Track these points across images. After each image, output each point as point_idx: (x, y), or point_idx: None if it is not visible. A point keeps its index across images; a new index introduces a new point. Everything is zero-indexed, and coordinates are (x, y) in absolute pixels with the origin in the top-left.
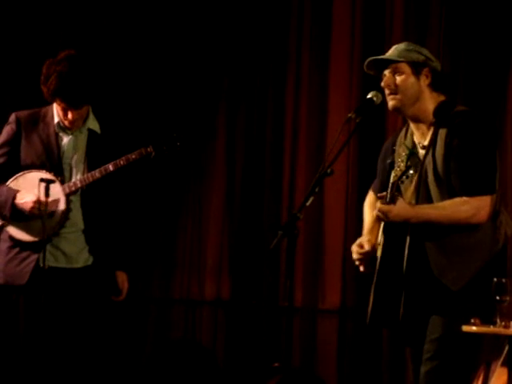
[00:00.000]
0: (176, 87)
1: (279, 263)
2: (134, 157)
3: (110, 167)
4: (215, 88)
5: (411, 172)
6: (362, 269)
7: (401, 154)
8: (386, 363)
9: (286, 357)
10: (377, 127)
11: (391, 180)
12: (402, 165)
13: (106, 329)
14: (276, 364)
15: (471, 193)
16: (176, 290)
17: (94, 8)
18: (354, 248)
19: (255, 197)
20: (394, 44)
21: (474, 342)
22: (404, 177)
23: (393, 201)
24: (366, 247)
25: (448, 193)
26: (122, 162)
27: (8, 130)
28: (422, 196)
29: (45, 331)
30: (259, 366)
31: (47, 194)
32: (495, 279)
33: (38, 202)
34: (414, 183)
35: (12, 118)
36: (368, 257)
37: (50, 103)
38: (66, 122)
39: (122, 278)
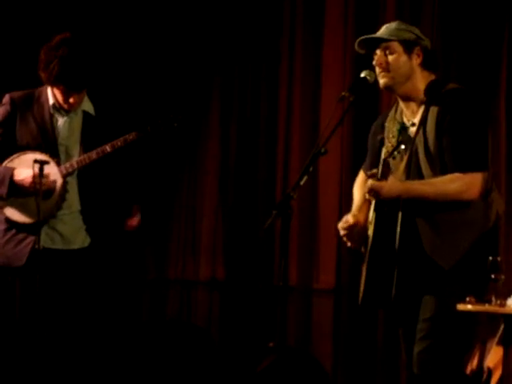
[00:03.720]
0: (169, 66)
1: (274, 243)
2: (131, 138)
3: (108, 148)
4: (209, 67)
5: (402, 147)
6: (349, 244)
7: (392, 130)
8: (381, 342)
9: (281, 336)
10: (370, 106)
11: (382, 156)
12: (394, 140)
13: (101, 310)
14: (271, 343)
15: (463, 169)
16: (171, 270)
17: None
18: (340, 224)
19: (249, 177)
20: (387, 22)
21: (467, 321)
22: (395, 152)
23: (384, 177)
24: (350, 221)
25: (439, 170)
26: (119, 143)
27: (2, 111)
28: (413, 173)
29: (41, 313)
30: (254, 346)
31: (41, 175)
32: (490, 257)
33: (36, 177)
34: (404, 161)
35: (6, 99)
36: (353, 231)
37: (45, 85)
38: (66, 105)
39: (135, 210)
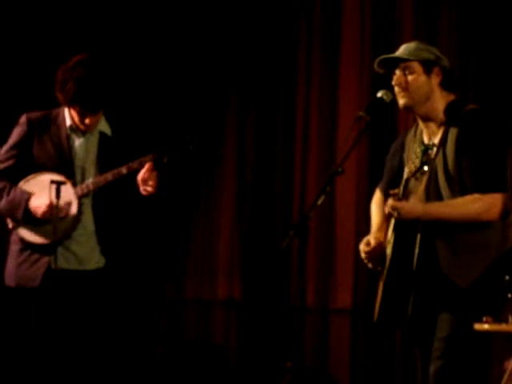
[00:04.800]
0: (185, 88)
1: (291, 263)
2: (147, 160)
3: (123, 170)
4: (225, 88)
5: (426, 168)
6: (370, 266)
7: (415, 151)
8: (398, 362)
9: (299, 357)
10: (387, 126)
11: (404, 176)
12: (417, 161)
13: (117, 331)
14: (288, 364)
15: (483, 190)
16: (188, 290)
17: (105, 11)
18: (361, 246)
19: (266, 197)
20: (404, 42)
21: (483, 341)
22: (418, 173)
23: (405, 197)
24: (373, 243)
25: (459, 191)
26: (135, 166)
27: (19, 131)
28: (433, 194)
29: (57, 333)
30: (272, 366)
31: (58, 196)
32: (507, 277)
33: (51, 205)
34: (424, 182)
35: (23, 119)
36: (375, 253)
37: (62, 106)
38: (83, 126)
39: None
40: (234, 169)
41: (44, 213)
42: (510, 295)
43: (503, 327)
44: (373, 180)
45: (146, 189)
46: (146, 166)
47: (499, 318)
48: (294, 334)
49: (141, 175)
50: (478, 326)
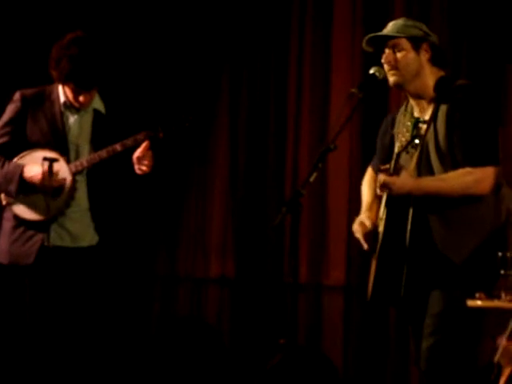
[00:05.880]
0: (179, 67)
1: (283, 240)
2: (141, 137)
3: (118, 147)
4: (217, 68)
5: (417, 141)
6: (366, 247)
7: (405, 124)
8: (392, 339)
9: (292, 334)
10: (380, 103)
11: (395, 151)
12: (408, 135)
13: (110, 308)
14: (281, 341)
15: (474, 163)
16: (181, 268)
17: None
18: (356, 227)
19: (259, 174)
20: (396, 17)
21: (475, 317)
22: (409, 146)
23: (396, 172)
24: (368, 224)
25: (450, 166)
26: (129, 143)
27: (13, 108)
28: (424, 170)
29: (50, 311)
30: (265, 343)
31: (51, 173)
32: (500, 253)
33: (46, 175)
34: (415, 157)
35: (16, 96)
36: (371, 234)
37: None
38: (77, 104)
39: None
40: (227, 146)
41: (41, 181)
42: (502, 271)
43: (496, 303)
44: (365, 157)
45: (141, 168)
46: (143, 145)
47: (492, 294)
48: (286, 311)
49: (136, 154)
50: (470, 303)
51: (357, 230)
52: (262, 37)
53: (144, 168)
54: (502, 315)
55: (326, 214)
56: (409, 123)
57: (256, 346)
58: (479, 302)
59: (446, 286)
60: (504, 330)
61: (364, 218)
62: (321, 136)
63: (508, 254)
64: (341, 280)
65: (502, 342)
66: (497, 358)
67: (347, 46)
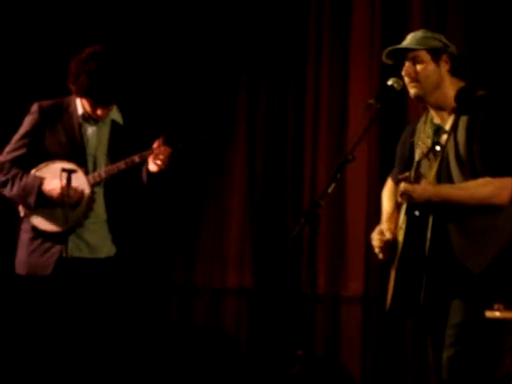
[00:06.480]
0: (196, 77)
1: (301, 251)
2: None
3: (136, 159)
4: (235, 76)
5: (438, 148)
6: (381, 256)
7: (426, 132)
8: (410, 350)
9: (310, 344)
10: (398, 114)
11: (416, 158)
12: (429, 141)
13: (128, 318)
14: (299, 352)
15: (494, 173)
16: (199, 278)
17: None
18: (375, 236)
19: (277, 184)
20: (414, 29)
21: (495, 328)
22: (430, 153)
23: (417, 180)
24: (387, 235)
25: (470, 176)
26: (147, 154)
27: (31, 120)
28: (444, 180)
29: (68, 322)
30: (282, 354)
31: (69, 184)
32: None
33: (64, 188)
34: (435, 167)
35: (34, 108)
36: (388, 245)
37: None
38: (94, 116)
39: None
40: (244, 156)
41: (59, 194)
42: None
43: None
44: (383, 168)
45: (156, 162)
46: (157, 141)
47: (511, 305)
48: (304, 322)
49: (153, 150)
50: (489, 314)
51: (375, 238)
52: (280, 45)
53: (159, 162)
54: None
55: (344, 224)
56: (429, 131)
57: (274, 356)
58: (498, 314)
59: (466, 296)
60: None
61: (384, 228)
62: (339, 146)
63: None
64: (359, 291)
65: None
66: None
67: (365, 55)
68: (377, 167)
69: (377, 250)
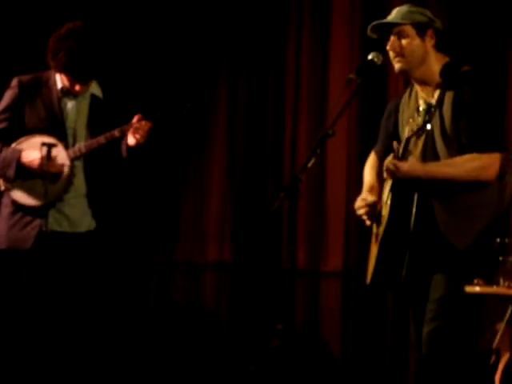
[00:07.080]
0: (178, 53)
1: (281, 225)
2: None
3: (116, 133)
4: (216, 52)
5: (428, 127)
6: (368, 222)
7: (411, 107)
8: (390, 324)
9: (289, 319)
10: (378, 88)
11: (405, 135)
12: (420, 119)
13: (107, 293)
14: (279, 326)
15: (481, 149)
16: (179, 253)
17: None
18: (359, 203)
19: (257, 160)
20: (395, 3)
21: (476, 303)
22: (420, 131)
23: (404, 157)
24: (370, 198)
25: (456, 152)
26: (127, 129)
27: (10, 94)
28: (429, 156)
29: (48, 295)
30: (262, 328)
31: (49, 158)
32: (498, 239)
33: (44, 159)
34: (420, 143)
35: (14, 82)
36: (373, 209)
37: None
38: (73, 91)
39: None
40: (224, 132)
41: (39, 165)
42: (501, 258)
43: (494, 289)
44: (363, 142)
45: (135, 136)
46: (137, 115)
47: (491, 280)
48: (284, 297)
49: (132, 124)
50: (469, 289)
51: (359, 206)
52: (261, 23)
53: (138, 137)
54: (501, 301)
55: (324, 199)
56: (420, 108)
57: (254, 331)
58: (477, 288)
59: (448, 271)
60: (503, 317)
61: (365, 195)
62: (319, 122)
63: (506, 240)
64: (339, 266)
65: (501, 328)
66: (495, 343)
67: (346, 29)
68: (357, 142)
69: (364, 217)
